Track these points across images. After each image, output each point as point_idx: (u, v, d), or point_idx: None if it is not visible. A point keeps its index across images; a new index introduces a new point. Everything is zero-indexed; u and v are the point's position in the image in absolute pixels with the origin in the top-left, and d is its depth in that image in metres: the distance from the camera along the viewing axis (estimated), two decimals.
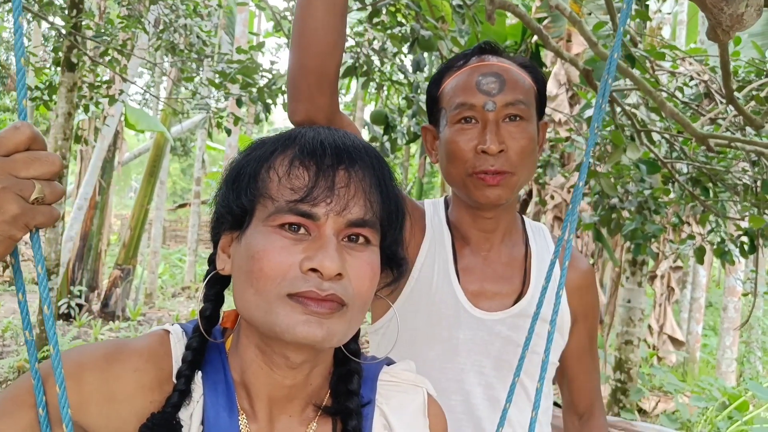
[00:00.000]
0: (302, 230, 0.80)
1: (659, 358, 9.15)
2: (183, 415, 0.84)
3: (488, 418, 1.31)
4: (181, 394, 0.83)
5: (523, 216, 1.49)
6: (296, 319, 0.77)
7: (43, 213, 0.69)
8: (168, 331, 0.89)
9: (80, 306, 9.70)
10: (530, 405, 1.33)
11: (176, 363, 0.86)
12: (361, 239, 0.82)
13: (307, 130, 0.86)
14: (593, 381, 1.48)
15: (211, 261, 0.91)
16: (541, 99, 1.35)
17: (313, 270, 0.77)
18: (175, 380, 0.85)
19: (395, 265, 0.90)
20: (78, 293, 9.68)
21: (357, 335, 0.92)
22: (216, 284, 0.92)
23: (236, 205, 0.83)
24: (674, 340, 9.30)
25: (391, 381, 0.95)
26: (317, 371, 0.88)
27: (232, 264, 0.85)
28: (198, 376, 0.86)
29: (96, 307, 10.02)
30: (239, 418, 0.85)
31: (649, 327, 9.23)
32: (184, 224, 23.57)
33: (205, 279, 0.92)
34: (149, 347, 0.86)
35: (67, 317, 9.44)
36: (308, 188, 0.79)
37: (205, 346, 0.88)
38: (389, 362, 0.98)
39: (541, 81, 1.35)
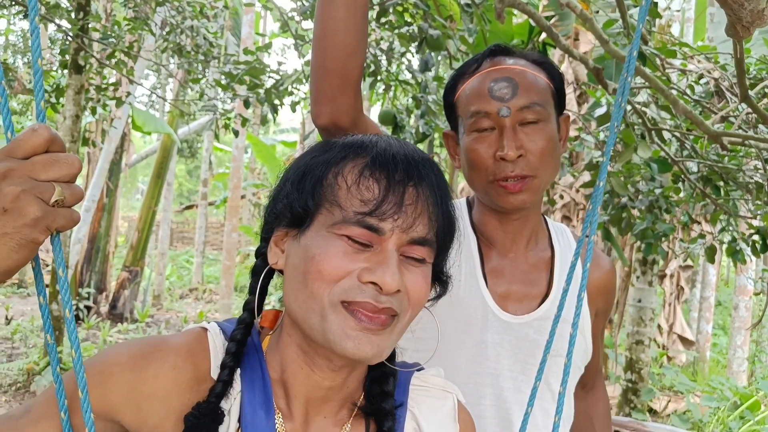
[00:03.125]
0: (365, 243, 0.80)
1: (669, 358, 9.10)
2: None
3: (519, 422, 1.29)
4: (224, 385, 0.84)
5: (545, 216, 1.47)
6: (349, 334, 0.78)
7: (63, 215, 0.69)
8: (206, 329, 0.90)
9: (88, 308, 9.73)
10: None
11: (214, 361, 0.87)
12: (420, 256, 0.83)
13: (379, 139, 0.86)
14: (597, 358, 1.52)
15: (259, 254, 0.92)
16: (559, 95, 1.33)
17: (372, 283, 0.78)
18: (214, 376, 0.86)
19: (440, 282, 0.92)
20: (86, 295, 9.71)
21: (393, 357, 0.93)
22: (266, 277, 0.92)
23: (299, 205, 0.84)
24: (684, 340, 9.25)
25: (422, 386, 0.96)
26: (355, 374, 0.90)
27: (286, 261, 0.86)
28: (236, 374, 0.87)
29: (104, 309, 10.05)
30: (275, 416, 0.86)
31: (659, 326, 9.18)
32: (191, 226, 23.62)
33: (253, 272, 0.92)
34: (188, 345, 0.87)
35: (75, 319, 9.38)
36: (378, 202, 0.79)
37: (248, 336, 0.89)
38: (420, 368, 0.99)
39: (557, 77, 1.33)
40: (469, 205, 1.43)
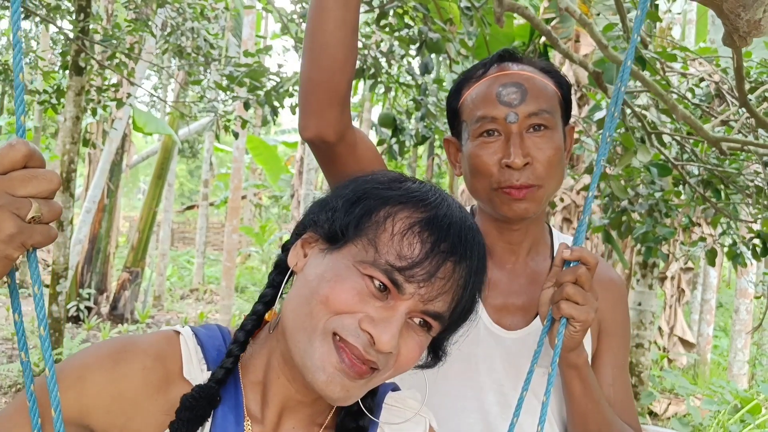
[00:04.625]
0: (384, 291, 0.80)
1: (669, 360, 9.09)
2: None
3: None
4: (227, 372, 0.85)
5: (552, 228, 1.44)
6: (326, 368, 0.78)
7: (40, 232, 0.68)
8: (178, 332, 0.90)
9: (89, 309, 9.73)
10: (548, 423, 1.29)
11: (187, 363, 0.87)
12: (425, 327, 0.83)
13: (443, 201, 0.85)
14: (619, 394, 1.32)
15: (285, 248, 0.92)
16: (566, 104, 1.30)
17: (369, 333, 0.78)
18: (188, 377, 0.86)
19: (434, 354, 0.91)
20: (87, 296, 9.71)
21: (375, 392, 0.93)
22: (282, 273, 0.92)
23: (341, 226, 0.83)
24: (685, 342, 9.23)
25: (396, 406, 0.96)
26: None
27: (304, 268, 0.86)
28: (207, 376, 0.87)
29: (105, 309, 10.04)
30: (245, 422, 0.86)
31: (660, 329, 9.17)
32: (192, 226, 23.63)
33: (275, 265, 0.93)
34: (157, 345, 0.87)
35: (76, 320, 9.47)
36: (413, 263, 0.79)
37: (253, 332, 0.90)
38: (394, 388, 0.98)
39: (565, 85, 1.30)
40: (472, 214, 1.39)
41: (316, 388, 0.79)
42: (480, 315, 1.27)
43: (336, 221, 0.84)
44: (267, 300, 0.91)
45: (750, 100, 2.47)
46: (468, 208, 1.40)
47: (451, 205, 0.85)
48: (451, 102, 1.34)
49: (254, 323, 0.89)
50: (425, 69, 3.80)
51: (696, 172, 3.69)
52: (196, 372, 0.87)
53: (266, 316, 0.92)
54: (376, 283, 0.79)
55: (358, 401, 0.89)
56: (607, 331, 1.32)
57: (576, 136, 5.46)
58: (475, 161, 1.24)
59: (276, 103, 4.77)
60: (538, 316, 1.28)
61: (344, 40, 1.11)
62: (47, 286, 5.86)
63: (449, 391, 1.22)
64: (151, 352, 0.86)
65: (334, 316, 0.79)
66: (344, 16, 1.10)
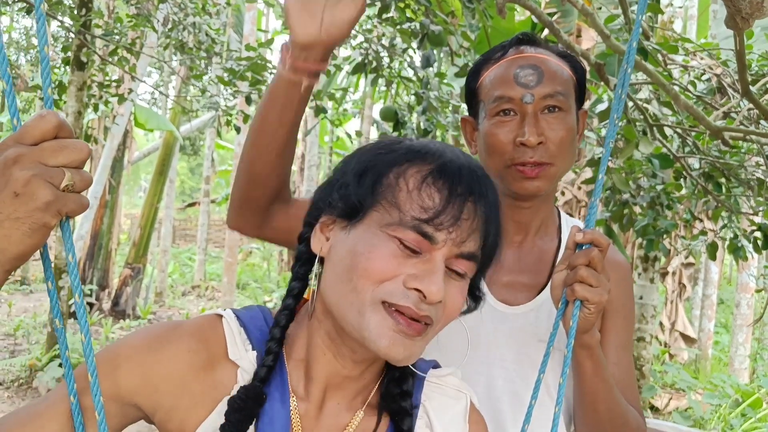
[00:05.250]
0: (416, 247, 0.81)
1: (671, 356, 9.09)
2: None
3: (508, 411, 1.29)
4: (269, 370, 0.86)
5: (560, 211, 1.47)
6: (385, 333, 0.80)
7: (73, 200, 0.69)
8: (221, 315, 0.92)
9: (91, 305, 9.75)
10: (551, 401, 1.30)
11: (231, 345, 0.89)
12: (463, 270, 0.84)
13: (445, 148, 0.87)
14: (623, 374, 1.34)
15: (302, 239, 0.93)
16: (581, 88, 1.34)
17: (416, 290, 0.79)
18: (233, 358, 0.88)
19: (474, 297, 0.93)
20: (89, 292, 9.73)
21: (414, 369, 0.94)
22: (308, 263, 0.93)
23: (357, 198, 0.84)
24: (686, 338, 9.24)
25: (437, 383, 0.97)
26: (373, 368, 0.91)
27: (330, 250, 0.87)
28: (252, 356, 0.89)
29: (107, 305, 10.06)
30: (290, 398, 0.88)
31: (661, 324, 9.17)
32: (194, 223, 23.64)
33: (297, 258, 0.93)
34: (201, 328, 0.90)
35: (76, 316, 9.48)
36: (437, 211, 0.80)
37: (288, 327, 0.91)
38: (435, 365, 1.00)
39: (580, 70, 1.34)
40: None
41: (380, 354, 0.81)
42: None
43: (351, 195, 0.85)
44: (296, 293, 0.92)
45: (752, 91, 2.47)
46: None
47: (454, 151, 0.87)
48: (469, 83, 1.38)
49: (288, 318, 0.90)
50: (427, 62, 3.80)
51: (697, 165, 3.69)
52: (241, 352, 0.89)
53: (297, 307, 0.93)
54: (408, 242, 0.80)
55: (403, 368, 0.92)
56: (612, 311, 1.34)
57: None
58: (490, 139, 1.29)
59: None
60: (541, 293, 1.33)
61: (269, 159, 1.17)
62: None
63: (451, 364, 1.23)
64: (195, 335, 0.89)
65: (378, 285, 0.80)
66: (275, 140, 1.15)
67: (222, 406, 0.85)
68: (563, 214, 1.45)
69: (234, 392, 0.86)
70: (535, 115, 1.26)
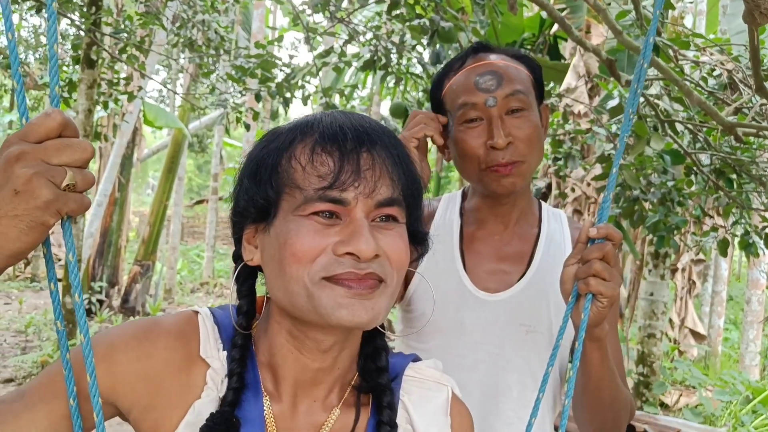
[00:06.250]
0: (334, 216, 0.80)
1: (681, 352, 9.06)
2: (211, 395, 0.86)
3: (492, 394, 1.37)
4: (236, 392, 0.85)
5: (542, 202, 1.55)
6: (340, 302, 0.78)
7: (75, 200, 0.69)
8: (197, 312, 0.91)
9: (101, 302, 9.79)
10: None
11: (204, 342, 0.88)
12: (391, 218, 0.83)
13: (323, 115, 0.87)
14: (612, 350, 1.34)
15: (236, 257, 0.92)
16: (539, 86, 1.43)
17: (349, 253, 0.78)
18: (203, 355, 0.87)
19: (419, 241, 0.91)
20: (98, 289, 9.77)
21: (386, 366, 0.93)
22: (247, 279, 0.92)
23: (261, 197, 0.83)
24: (696, 334, 9.20)
25: (416, 377, 0.96)
26: (345, 354, 0.89)
27: (262, 255, 0.86)
28: (223, 356, 0.88)
29: (116, 302, 10.10)
30: (263, 398, 0.87)
31: (670, 321, 9.13)
32: (202, 220, 23.71)
33: (234, 273, 0.92)
34: (178, 326, 0.89)
35: (87, 313, 9.51)
36: (335, 174, 0.79)
37: (250, 341, 0.90)
38: (416, 359, 0.99)
39: (536, 69, 1.43)
40: (464, 194, 1.53)
41: (345, 324, 0.79)
42: (464, 282, 1.40)
43: (255, 197, 0.84)
44: (245, 310, 0.90)
45: (765, 87, 2.45)
46: (460, 191, 1.55)
47: (332, 114, 0.87)
48: (434, 93, 1.47)
49: (244, 338, 0.88)
50: (437, 59, 3.81)
51: (709, 161, 3.67)
52: (213, 351, 0.88)
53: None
54: (321, 213, 0.80)
55: (375, 340, 0.92)
56: None
57: (587, 126, 5.45)
58: (462, 145, 1.37)
59: (287, 95, 4.78)
60: (521, 279, 1.40)
61: None
62: (60, 280, 5.90)
63: (438, 354, 1.27)
64: (173, 332, 0.87)
65: (311, 265, 0.79)
66: None
67: (192, 414, 0.84)
68: (544, 205, 1.53)
69: (203, 396, 0.85)
70: (500, 117, 1.33)
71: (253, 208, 0.84)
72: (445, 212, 1.50)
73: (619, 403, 1.27)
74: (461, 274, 1.41)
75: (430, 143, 1.44)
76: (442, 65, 1.71)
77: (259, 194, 0.83)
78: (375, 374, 0.90)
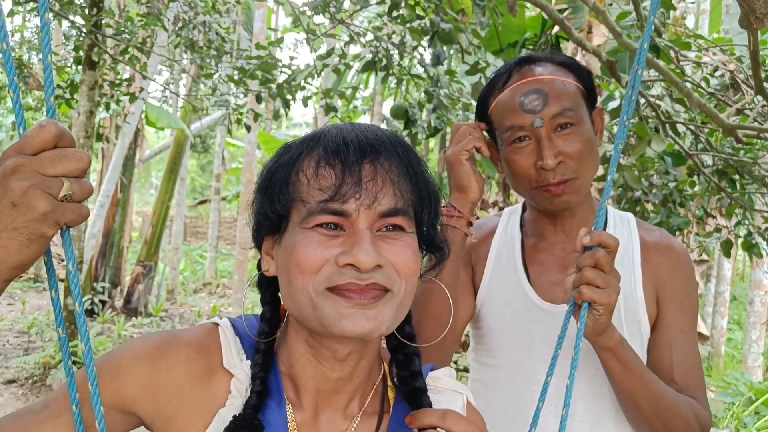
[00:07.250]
0: (338, 228, 0.82)
1: None
2: (235, 402, 0.88)
3: (559, 409, 1.33)
4: (259, 396, 0.86)
5: (607, 207, 1.51)
6: (342, 313, 0.79)
7: (72, 210, 0.70)
8: (217, 324, 0.93)
9: (103, 302, 9.81)
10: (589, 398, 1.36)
11: (226, 353, 0.90)
12: (397, 228, 0.84)
13: (331, 128, 0.88)
14: (679, 357, 1.35)
15: (260, 266, 0.94)
16: (590, 94, 1.37)
17: (350, 264, 0.79)
18: (227, 366, 0.89)
19: (435, 249, 0.92)
20: (101, 289, 9.79)
21: (410, 318, 0.94)
22: (270, 287, 0.94)
23: (271, 212, 0.86)
24: (699, 335, 9.16)
25: (434, 386, 0.97)
26: (364, 363, 0.91)
27: (276, 266, 0.89)
28: (246, 365, 0.89)
29: (119, 303, 10.12)
30: (286, 407, 0.88)
31: None
32: (205, 221, 23.71)
33: (248, 282, 0.96)
34: (199, 338, 0.90)
35: (90, 313, 9.55)
36: (336, 186, 0.81)
37: (273, 346, 0.92)
38: (432, 368, 1.00)
39: (585, 76, 1.36)
40: (524, 206, 1.51)
41: (347, 335, 0.80)
42: (528, 294, 1.39)
43: (267, 211, 0.86)
44: (267, 317, 0.93)
45: (766, 88, 2.45)
46: (521, 204, 1.53)
47: (339, 127, 0.88)
48: (480, 110, 1.43)
49: (267, 344, 0.91)
50: (437, 60, 3.80)
51: (711, 161, 3.66)
52: (236, 361, 0.90)
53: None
54: (326, 225, 0.81)
55: (399, 348, 0.93)
56: (666, 296, 1.38)
57: None
58: (512, 166, 1.34)
59: (288, 96, 4.78)
60: None
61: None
62: (62, 281, 5.91)
63: (509, 366, 1.32)
64: (193, 344, 0.89)
65: (315, 276, 0.80)
66: None
67: (218, 422, 0.86)
68: (610, 209, 1.47)
69: (228, 404, 0.87)
70: (548, 137, 1.29)
71: (267, 221, 0.87)
72: (506, 226, 1.50)
73: (666, 412, 1.22)
74: (525, 286, 1.40)
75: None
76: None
77: (270, 209, 0.86)
78: (411, 379, 0.92)
